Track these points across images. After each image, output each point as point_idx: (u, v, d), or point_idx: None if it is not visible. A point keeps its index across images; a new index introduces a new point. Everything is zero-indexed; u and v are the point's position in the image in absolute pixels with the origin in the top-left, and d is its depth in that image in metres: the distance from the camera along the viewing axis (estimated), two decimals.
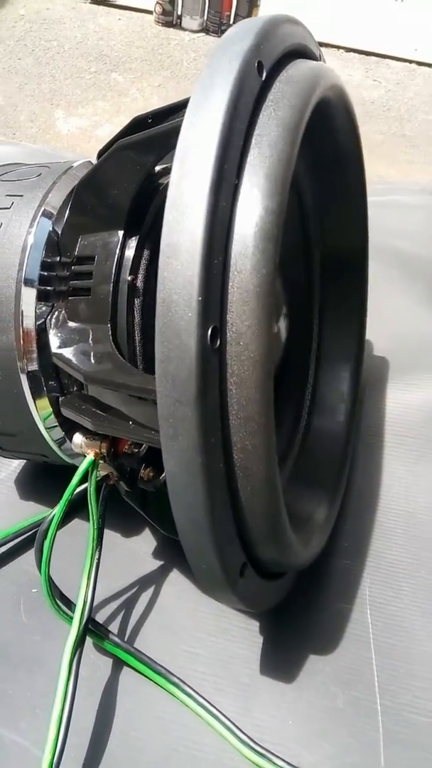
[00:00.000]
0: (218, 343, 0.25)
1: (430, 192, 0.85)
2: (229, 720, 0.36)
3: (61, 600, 0.38)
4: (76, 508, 0.45)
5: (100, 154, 0.35)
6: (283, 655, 0.39)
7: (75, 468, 0.37)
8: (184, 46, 2.16)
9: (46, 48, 2.09)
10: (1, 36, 2.12)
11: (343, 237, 0.46)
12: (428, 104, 1.90)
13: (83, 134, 1.71)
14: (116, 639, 0.39)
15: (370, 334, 0.55)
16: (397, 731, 0.36)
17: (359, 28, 2.09)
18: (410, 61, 2.12)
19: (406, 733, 0.36)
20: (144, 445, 0.36)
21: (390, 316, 0.62)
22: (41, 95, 1.89)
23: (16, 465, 0.51)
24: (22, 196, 0.39)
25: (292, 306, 0.44)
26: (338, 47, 2.12)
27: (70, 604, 0.38)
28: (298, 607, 0.41)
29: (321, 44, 0.37)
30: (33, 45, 2.10)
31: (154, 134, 0.31)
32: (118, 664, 0.39)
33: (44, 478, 0.50)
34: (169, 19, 2.26)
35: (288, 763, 0.34)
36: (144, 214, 0.35)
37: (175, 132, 0.26)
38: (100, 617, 0.41)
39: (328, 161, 0.41)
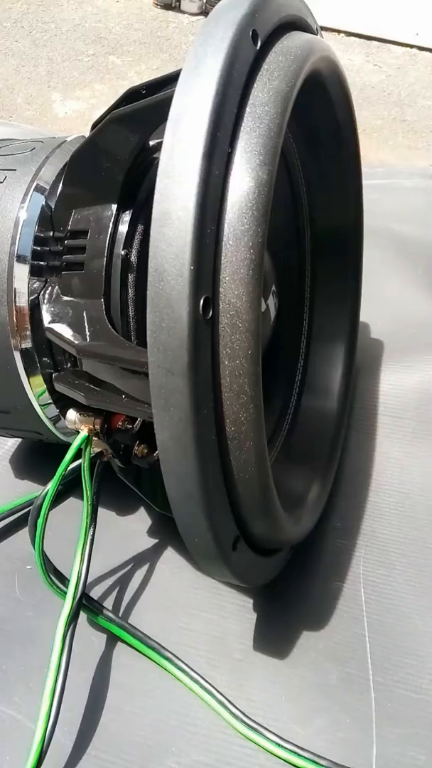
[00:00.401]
0: (210, 314, 0.25)
1: (429, 176, 0.84)
2: (221, 695, 0.36)
3: (55, 575, 0.38)
4: (71, 487, 0.45)
5: (93, 127, 0.34)
6: (277, 631, 0.40)
7: (69, 446, 0.37)
8: (183, 29, 2.13)
9: (43, 30, 2.06)
10: None
11: (337, 215, 0.46)
12: (429, 89, 1.88)
13: (80, 117, 1.69)
14: (110, 614, 0.39)
15: (367, 317, 0.55)
16: (389, 707, 0.36)
17: (360, 12, 2.07)
18: (411, 46, 2.10)
19: (398, 709, 0.36)
20: (137, 422, 0.36)
21: (388, 299, 0.62)
22: (38, 78, 1.87)
23: (11, 444, 0.51)
24: (14, 170, 0.38)
25: (282, 285, 0.43)
26: (339, 31, 2.10)
27: (64, 580, 0.38)
28: (292, 585, 0.41)
29: (321, 28, 0.37)
30: (30, 27, 2.07)
31: (147, 104, 0.31)
32: (112, 640, 0.39)
33: (39, 457, 0.50)
34: (168, 1, 2.23)
35: (280, 738, 0.34)
36: (138, 188, 0.35)
37: (168, 102, 0.26)
38: (95, 594, 0.41)
39: (321, 135, 0.40)
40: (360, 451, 0.50)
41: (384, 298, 0.62)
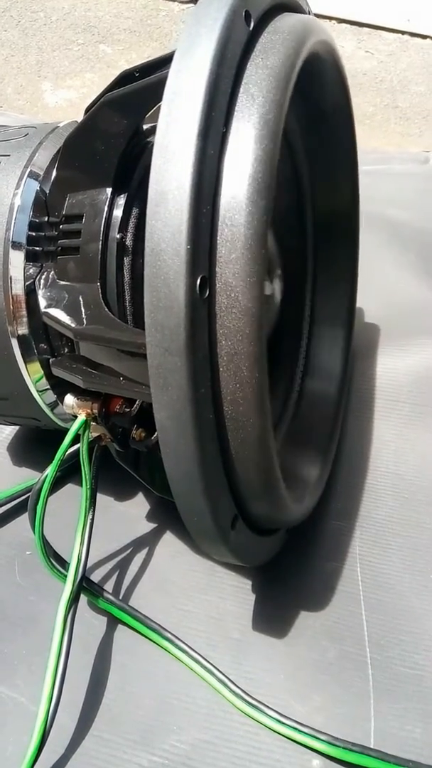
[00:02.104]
0: (207, 293, 0.25)
1: (421, 161, 0.84)
2: (222, 673, 0.36)
3: (55, 559, 0.38)
4: (70, 473, 0.46)
5: (87, 110, 0.34)
6: (275, 611, 0.40)
7: (67, 432, 0.37)
8: (174, 18, 2.12)
9: (32, 19, 2.04)
10: None
11: (334, 198, 0.46)
12: (421, 76, 1.88)
13: (72, 106, 1.68)
14: (110, 597, 0.39)
15: (361, 302, 0.55)
16: (386, 683, 0.37)
17: None
18: (403, 32, 2.08)
19: (395, 685, 0.37)
20: (135, 405, 0.36)
21: (382, 284, 0.63)
22: (28, 67, 1.85)
23: (9, 431, 0.51)
24: (8, 156, 0.38)
25: (286, 269, 0.44)
26: (330, 18, 2.09)
27: (64, 563, 0.38)
28: (289, 565, 0.42)
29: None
30: (19, 16, 2.05)
31: (141, 87, 0.31)
32: (113, 622, 0.40)
33: (37, 444, 0.50)
34: None
35: (280, 714, 0.35)
36: (132, 172, 0.35)
37: (162, 84, 0.26)
38: (95, 577, 0.41)
39: (318, 119, 0.40)
40: (356, 433, 0.50)
41: (377, 282, 0.62)
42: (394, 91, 1.81)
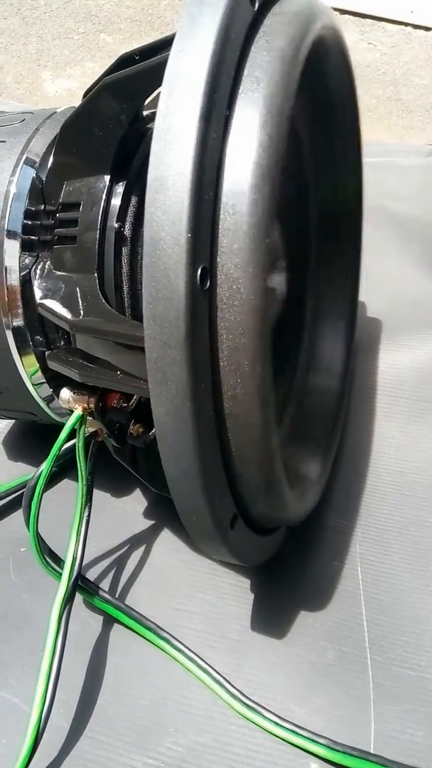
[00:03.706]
0: (208, 284, 0.24)
1: (425, 154, 0.83)
2: (219, 674, 0.36)
3: (50, 556, 0.37)
4: (66, 468, 0.45)
5: (86, 95, 0.33)
6: (274, 611, 0.39)
7: (63, 427, 0.36)
8: (175, 7, 2.09)
9: (32, 7, 2.02)
10: None
11: (339, 188, 0.45)
12: (424, 68, 1.86)
13: (71, 95, 1.66)
14: (106, 595, 0.39)
15: (363, 295, 0.54)
16: (386, 685, 0.36)
17: None
18: (406, 24, 2.06)
19: (395, 687, 0.36)
20: (133, 400, 0.36)
21: (384, 278, 0.62)
22: (28, 56, 1.83)
23: (3, 425, 0.50)
24: (4, 142, 0.37)
25: (289, 261, 0.43)
26: (333, 9, 2.07)
27: (59, 561, 0.37)
28: (289, 564, 0.41)
29: None
30: (19, 4, 2.03)
31: (141, 70, 0.30)
32: (109, 621, 0.39)
33: (33, 439, 0.49)
34: None
35: (278, 717, 0.34)
36: (131, 159, 0.34)
37: (162, 67, 0.25)
38: (91, 575, 0.41)
39: (322, 106, 0.39)
40: (357, 430, 0.49)
41: (380, 276, 0.61)
42: (397, 83, 1.79)
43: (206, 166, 0.23)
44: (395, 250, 0.66)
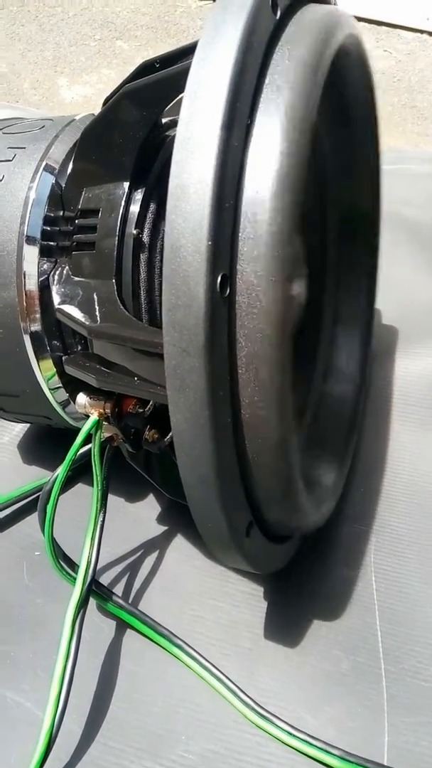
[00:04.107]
0: (227, 292, 0.24)
1: None
2: (233, 683, 0.35)
3: (64, 561, 0.37)
4: (81, 473, 0.45)
5: (105, 102, 0.33)
6: (287, 619, 0.39)
7: (79, 432, 0.36)
8: (191, 14, 2.11)
9: (50, 14, 2.04)
10: (4, 2, 2.07)
11: (358, 197, 0.45)
12: None
13: (87, 102, 1.68)
14: (120, 601, 0.39)
15: (378, 303, 0.54)
16: (400, 696, 0.36)
17: None
18: (422, 32, 2.06)
19: (410, 698, 0.36)
20: (149, 406, 0.36)
21: (399, 285, 0.61)
22: (45, 62, 1.85)
23: (19, 429, 0.50)
24: (24, 148, 0.37)
25: (312, 269, 0.42)
26: None
27: (73, 566, 0.37)
28: (302, 573, 0.41)
29: None
30: (36, 11, 2.05)
31: (161, 78, 0.30)
32: (122, 627, 0.39)
33: (48, 443, 0.49)
34: None
35: (291, 726, 0.34)
36: (151, 166, 0.34)
37: (184, 74, 0.25)
38: (105, 580, 0.41)
39: (343, 114, 0.39)
40: (372, 437, 0.49)
41: (394, 283, 0.61)
42: (412, 90, 1.79)
43: (227, 175, 0.23)
44: (408, 256, 0.65)
